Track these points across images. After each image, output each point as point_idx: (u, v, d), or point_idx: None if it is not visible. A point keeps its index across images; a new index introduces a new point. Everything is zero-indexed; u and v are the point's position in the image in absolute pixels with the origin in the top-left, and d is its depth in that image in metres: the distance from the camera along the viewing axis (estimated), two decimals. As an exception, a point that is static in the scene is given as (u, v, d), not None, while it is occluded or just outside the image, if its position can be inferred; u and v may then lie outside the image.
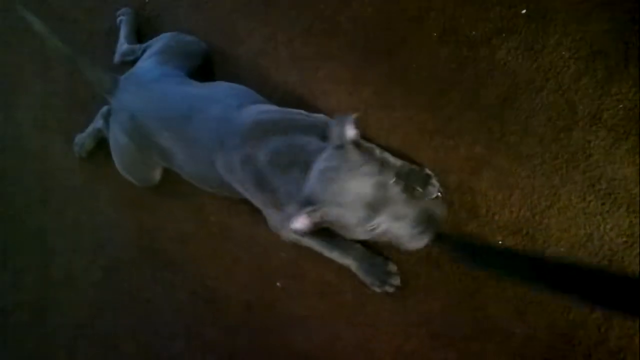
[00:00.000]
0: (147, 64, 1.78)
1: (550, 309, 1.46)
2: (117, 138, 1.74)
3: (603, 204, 1.43)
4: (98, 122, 1.98)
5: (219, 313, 1.83)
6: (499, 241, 1.51)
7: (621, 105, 1.44)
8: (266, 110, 1.50)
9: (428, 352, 1.58)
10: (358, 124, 1.23)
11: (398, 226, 1.18)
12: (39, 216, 2.19)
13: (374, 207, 1.16)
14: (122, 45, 2.00)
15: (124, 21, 2.05)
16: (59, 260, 2.14)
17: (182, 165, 1.63)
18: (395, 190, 1.17)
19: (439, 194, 1.54)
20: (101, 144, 1.97)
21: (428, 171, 1.55)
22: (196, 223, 1.87)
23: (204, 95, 1.58)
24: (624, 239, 1.39)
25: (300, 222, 1.21)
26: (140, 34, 2.05)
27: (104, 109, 1.97)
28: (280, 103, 1.76)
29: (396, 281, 1.59)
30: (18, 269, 2.24)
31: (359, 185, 1.16)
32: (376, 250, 1.59)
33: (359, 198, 1.16)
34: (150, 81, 1.68)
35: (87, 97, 2.06)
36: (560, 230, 1.46)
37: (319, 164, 1.23)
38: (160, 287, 1.94)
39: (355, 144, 1.23)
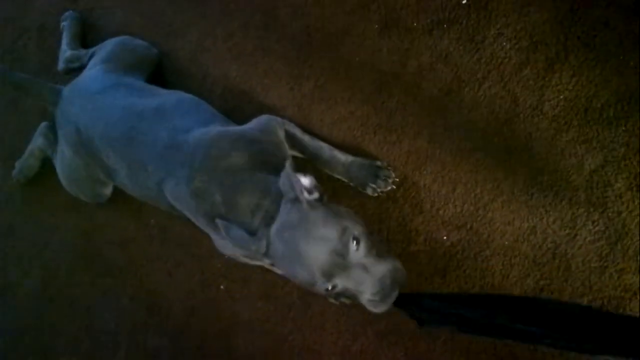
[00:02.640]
0: (92, 72, 1.66)
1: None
2: (63, 152, 1.65)
3: (546, 196, 1.41)
4: (37, 141, 1.86)
5: (162, 319, 1.76)
6: (444, 237, 1.48)
7: (562, 96, 1.43)
8: (217, 137, 1.38)
9: (376, 351, 1.54)
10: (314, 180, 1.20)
11: (357, 291, 1.13)
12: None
13: (330, 273, 1.11)
14: (65, 52, 1.87)
15: (66, 26, 1.92)
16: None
17: (128, 186, 1.55)
18: (355, 255, 1.12)
19: (393, 186, 1.51)
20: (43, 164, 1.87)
21: (379, 163, 1.50)
22: (136, 226, 1.80)
23: (150, 111, 1.47)
24: (567, 231, 1.38)
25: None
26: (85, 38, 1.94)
27: (43, 125, 1.86)
28: (220, 100, 1.70)
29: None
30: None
31: (315, 250, 1.11)
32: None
33: (315, 263, 1.11)
34: (95, 93, 1.57)
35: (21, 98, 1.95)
36: (504, 224, 1.44)
37: (279, 218, 1.19)
38: (100, 294, 1.85)
39: (317, 198, 1.19)
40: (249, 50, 1.72)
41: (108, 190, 1.73)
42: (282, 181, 1.20)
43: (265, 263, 1.35)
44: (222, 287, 1.66)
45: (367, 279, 1.11)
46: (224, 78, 1.73)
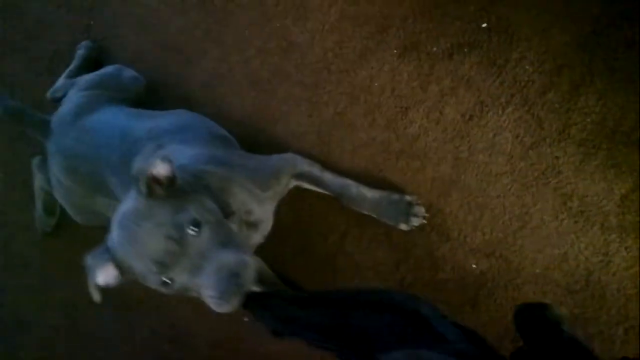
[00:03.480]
0: (75, 99, 1.63)
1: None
2: (61, 182, 1.61)
3: (576, 222, 1.38)
4: (36, 179, 1.84)
5: (184, 353, 1.74)
6: (472, 265, 1.45)
7: (589, 119, 1.40)
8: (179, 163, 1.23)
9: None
10: (168, 158, 1.03)
11: (195, 284, 0.99)
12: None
13: (163, 263, 0.98)
14: (59, 80, 1.84)
15: (77, 55, 1.89)
16: (8, 301, 2.00)
17: None
18: (194, 241, 0.98)
19: (424, 221, 1.48)
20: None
21: (409, 198, 1.47)
22: (155, 258, 1.76)
23: (144, 131, 1.41)
24: (600, 258, 1.35)
25: (105, 276, 1.06)
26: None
27: (36, 160, 1.83)
28: (238, 127, 1.68)
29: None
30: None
31: (147, 235, 0.98)
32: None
33: (146, 250, 0.98)
34: (84, 119, 1.54)
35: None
36: (534, 251, 1.41)
37: (120, 206, 1.07)
38: (121, 327, 1.83)
39: (163, 181, 1.04)
40: (265, 76, 1.69)
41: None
42: (136, 165, 1.03)
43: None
44: (245, 319, 1.63)
45: (204, 270, 0.96)
46: (241, 105, 1.71)
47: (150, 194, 1.01)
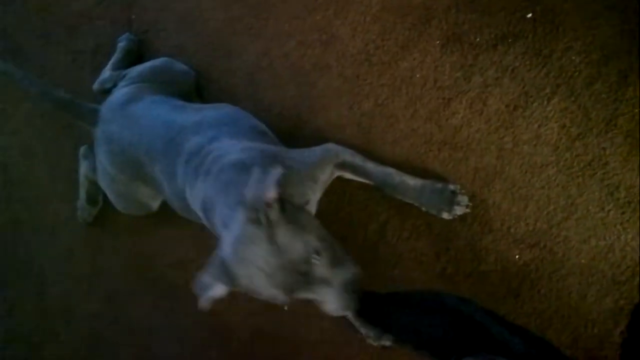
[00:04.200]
0: (126, 90, 1.67)
1: (572, 325, 1.41)
2: (106, 170, 1.65)
3: (623, 213, 1.37)
4: (82, 168, 1.88)
5: (225, 340, 1.76)
6: (516, 256, 1.45)
7: (637, 110, 1.39)
8: (235, 157, 1.31)
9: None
10: (280, 181, 1.05)
11: (319, 299, 1.10)
12: (31, 245, 2.10)
13: (292, 289, 1.07)
14: (105, 72, 1.87)
15: (119, 48, 1.92)
16: (54, 291, 2.06)
17: (173, 202, 1.55)
18: (316, 269, 1.07)
19: (467, 210, 1.47)
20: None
21: (452, 187, 1.47)
22: (195, 247, 1.80)
23: (190, 125, 1.46)
24: (647, 249, 1.34)
25: (217, 291, 1.13)
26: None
27: (82, 150, 1.88)
28: (278, 120, 1.70)
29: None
30: (11, 300, 2.15)
31: (276, 270, 1.05)
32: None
33: (275, 281, 1.06)
34: (135, 109, 1.58)
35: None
36: (580, 242, 1.40)
37: (233, 229, 1.11)
38: (162, 315, 1.86)
39: (279, 207, 1.07)
40: (306, 69, 1.71)
41: (155, 204, 1.73)
42: (249, 189, 1.08)
43: None
44: (285, 307, 1.64)
45: (329, 292, 1.08)
46: (282, 98, 1.73)
47: (267, 221, 1.06)
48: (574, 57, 1.44)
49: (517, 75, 1.48)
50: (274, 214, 1.06)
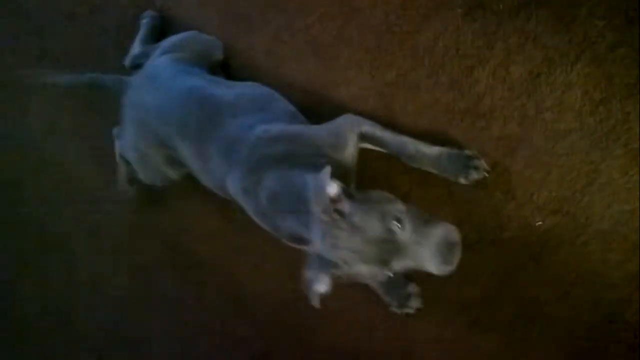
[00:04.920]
0: (160, 61, 1.71)
1: (593, 290, 1.42)
2: (131, 137, 1.70)
3: (646, 177, 1.37)
4: (117, 148, 1.90)
5: (250, 309, 1.81)
6: (538, 222, 1.46)
7: (661, 74, 1.38)
8: (274, 137, 1.44)
9: (469, 339, 1.54)
10: (333, 174, 1.16)
11: (420, 265, 1.17)
12: (60, 222, 2.16)
13: (386, 260, 1.16)
14: (135, 48, 1.91)
15: (144, 24, 1.96)
16: (83, 264, 2.12)
17: (200, 176, 1.60)
18: (403, 235, 1.16)
19: (485, 174, 1.48)
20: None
21: (468, 152, 1.48)
22: (221, 220, 1.84)
23: (225, 105, 1.52)
24: (671, 213, 1.34)
25: (323, 285, 1.24)
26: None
27: (115, 130, 1.90)
28: (300, 93, 1.72)
29: (416, 303, 1.58)
30: (42, 274, 2.22)
31: (363, 247, 1.16)
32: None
33: (367, 258, 1.16)
34: (166, 79, 1.61)
35: (100, 98, 2.01)
36: (603, 207, 1.41)
37: (318, 228, 1.22)
38: (189, 286, 1.91)
39: (345, 195, 1.20)
40: (328, 42, 1.72)
41: (175, 174, 1.75)
42: (314, 197, 1.20)
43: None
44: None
45: (425, 252, 1.14)
46: (304, 71, 1.74)
47: (340, 213, 1.18)
48: (596, 22, 1.43)
49: (539, 41, 1.47)
50: (342, 204, 1.18)
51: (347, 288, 1.60)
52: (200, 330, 1.90)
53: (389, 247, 1.14)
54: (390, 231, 1.14)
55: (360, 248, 1.16)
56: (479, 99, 1.53)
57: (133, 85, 1.68)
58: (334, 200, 1.17)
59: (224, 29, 1.87)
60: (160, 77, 1.63)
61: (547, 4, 1.47)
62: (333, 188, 1.17)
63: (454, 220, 1.49)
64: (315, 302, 1.26)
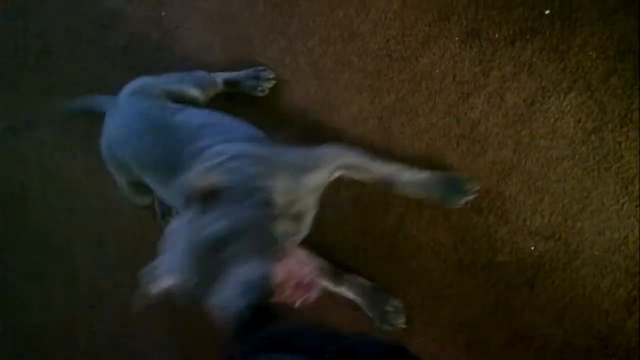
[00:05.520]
0: (138, 82, 1.66)
1: (586, 315, 1.45)
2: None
3: (637, 205, 1.40)
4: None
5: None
6: (531, 247, 1.49)
7: (652, 104, 1.41)
8: (231, 155, 1.27)
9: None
10: (206, 175, 1.09)
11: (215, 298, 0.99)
12: (64, 233, 2.20)
13: (191, 278, 1.01)
14: None
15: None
16: (86, 276, 2.15)
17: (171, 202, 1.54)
18: (218, 259, 0.98)
19: (474, 195, 1.51)
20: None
21: (458, 175, 1.52)
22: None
23: (184, 130, 1.42)
24: (661, 241, 1.37)
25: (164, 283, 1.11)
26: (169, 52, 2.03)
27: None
28: (301, 115, 1.75)
29: (399, 320, 1.59)
30: (45, 289, 2.25)
31: (181, 252, 1.03)
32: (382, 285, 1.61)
33: (180, 266, 1.03)
34: (130, 103, 1.57)
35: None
36: (594, 234, 1.44)
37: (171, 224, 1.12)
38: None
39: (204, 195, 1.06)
40: (328, 65, 1.76)
41: (143, 200, 1.77)
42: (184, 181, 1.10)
43: None
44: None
45: (221, 286, 0.98)
46: (305, 93, 1.78)
47: (202, 208, 1.06)
48: (590, 53, 1.46)
49: (534, 70, 1.51)
50: (209, 204, 1.06)
51: (342, 305, 1.63)
52: (200, 343, 1.93)
53: (198, 264, 1.00)
54: (204, 246, 1.00)
55: (177, 251, 1.04)
56: (475, 125, 1.56)
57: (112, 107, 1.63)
58: (203, 194, 1.06)
59: (227, 51, 1.91)
60: (127, 100, 1.58)
61: (542, 34, 1.51)
62: (208, 180, 1.07)
63: (450, 242, 1.55)
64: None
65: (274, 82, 1.80)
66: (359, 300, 1.62)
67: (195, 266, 1.00)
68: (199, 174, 1.10)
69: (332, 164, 1.42)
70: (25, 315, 2.30)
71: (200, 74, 1.78)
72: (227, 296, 0.95)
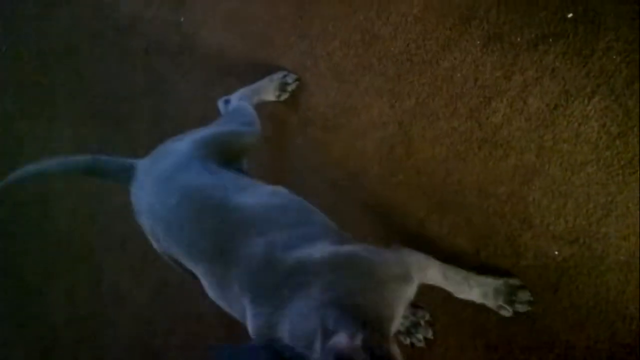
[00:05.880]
0: (179, 145, 1.40)
1: (611, 319, 1.44)
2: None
3: (662, 211, 1.39)
4: None
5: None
6: (555, 252, 1.48)
7: (678, 109, 1.39)
8: (338, 262, 1.05)
9: (485, 366, 1.57)
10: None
11: None
12: (87, 236, 2.23)
13: None
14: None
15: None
16: (108, 278, 2.18)
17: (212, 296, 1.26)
18: None
19: (529, 308, 1.50)
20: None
21: (514, 282, 1.50)
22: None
23: (247, 216, 1.16)
24: (687, 247, 1.36)
25: None
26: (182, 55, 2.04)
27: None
28: (321, 118, 1.76)
29: (425, 333, 1.58)
30: (69, 286, 2.29)
31: None
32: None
33: None
34: (172, 175, 1.29)
35: (126, 116, 2.07)
36: (619, 239, 1.43)
37: None
38: (211, 303, 1.95)
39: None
40: (349, 69, 1.76)
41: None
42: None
43: None
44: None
45: None
46: (325, 97, 1.79)
47: None
48: (614, 57, 1.45)
49: (557, 74, 1.50)
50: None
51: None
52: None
53: None
54: None
55: None
56: (497, 129, 1.56)
57: (139, 174, 1.40)
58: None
59: (247, 52, 1.92)
60: (166, 171, 1.31)
61: (565, 38, 1.50)
62: (341, 338, 0.88)
63: (472, 247, 1.55)
64: None
65: (296, 84, 1.79)
66: None
67: None
68: (345, 340, 0.89)
69: (420, 274, 1.28)
70: (49, 314, 2.34)
71: (242, 111, 1.59)
72: None
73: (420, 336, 1.59)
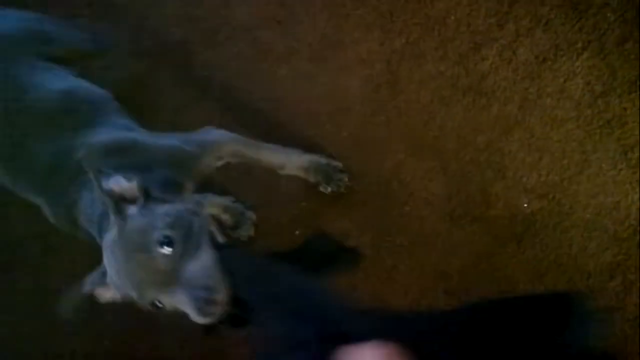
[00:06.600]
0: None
1: (570, 274, 1.47)
2: None
3: (634, 173, 1.41)
4: None
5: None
6: (524, 204, 1.50)
7: (664, 74, 1.40)
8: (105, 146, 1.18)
9: (444, 308, 1.60)
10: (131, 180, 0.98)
11: (178, 304, 0.91)
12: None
13: (142, 288, 0.91)
14: None
15: None
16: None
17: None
18: (165, 261, 0.89)
19: (344, 190, 1.57)
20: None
21: (335, 164, 1.58)
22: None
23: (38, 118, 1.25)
24: (652, 210, 1.39)
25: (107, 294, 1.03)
26: None
27: None
28: (309, 50, 1.72)
29: (249, 231, 1.63)
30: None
31: (120, 265, 0.94)
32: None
33: (122, 280, 0.94)
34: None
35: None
36: (588, 197, 1.45)
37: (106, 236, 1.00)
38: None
39: (141, 194, 0.98)
40: (340, 0, 1.71)
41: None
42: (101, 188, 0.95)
43: None
44: (297, 232, 1.70)
45: (178, 290, 0.89)
46: (313, 28, 1.74)
47: (122, 215, 0.96)
48: (609, 14, 1.44)
49: (550, 27, 1.49)
50: (132, 209, 0.97)
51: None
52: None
53: (150, 276, 0.90)
54: (150, 253, 0.90)
55: (117, 266, 0.94)
56: (483, 77, 1.55)
57: None
58: (120, 197, 0.96)
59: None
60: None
61: (562, -10, 1.48)
62: (117, 180, 0.96)
63: (444, 193, 1.56)
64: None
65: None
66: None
67: (136, 276, 0.92)
68: (117, 180, 0.97)
69: (217, 151, 1.35)
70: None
71: None
72: (190, 300, 0.88)
73: (244, 233, 1.63)
